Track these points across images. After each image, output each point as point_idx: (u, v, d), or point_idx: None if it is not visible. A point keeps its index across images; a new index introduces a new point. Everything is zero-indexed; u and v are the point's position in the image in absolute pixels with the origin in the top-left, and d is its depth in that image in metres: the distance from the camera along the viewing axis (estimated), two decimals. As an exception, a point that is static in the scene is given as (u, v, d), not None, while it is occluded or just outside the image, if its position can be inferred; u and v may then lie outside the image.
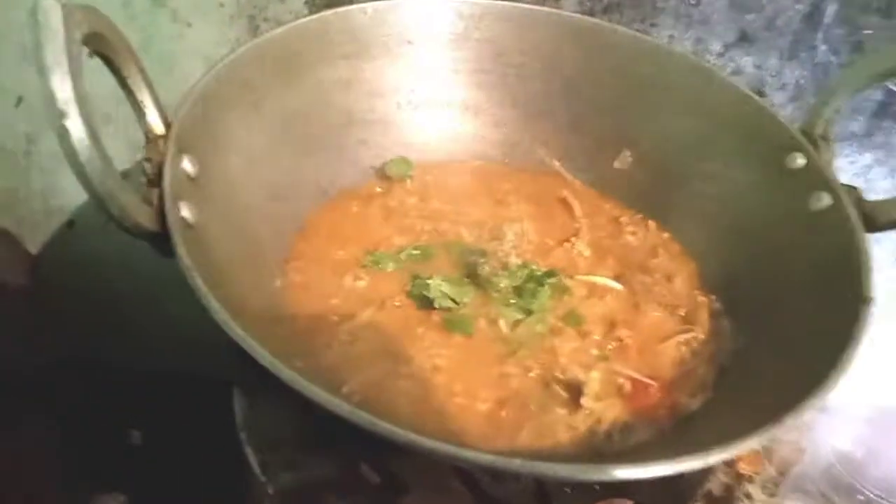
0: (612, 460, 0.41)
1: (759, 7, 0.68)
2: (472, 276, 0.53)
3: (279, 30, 0.56)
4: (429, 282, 0.51)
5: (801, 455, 0.72)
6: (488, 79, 0.64)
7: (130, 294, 0.83)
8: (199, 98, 0.47)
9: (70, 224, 0.81)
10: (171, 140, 0.43)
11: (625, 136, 0.62)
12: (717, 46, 0.71)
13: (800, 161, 0.52)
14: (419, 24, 0.61)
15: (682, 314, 0.53)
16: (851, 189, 0.49)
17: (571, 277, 0.54)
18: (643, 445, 0.43)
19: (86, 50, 0.38)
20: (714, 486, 0.49)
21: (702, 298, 0.54)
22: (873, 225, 0.47)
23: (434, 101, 0.63)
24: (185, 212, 0.41)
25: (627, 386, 0.47)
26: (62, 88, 0.34)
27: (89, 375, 0.82)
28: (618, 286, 0.55)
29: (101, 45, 0.42)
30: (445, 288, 0.51)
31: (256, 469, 0.46)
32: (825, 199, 0.49)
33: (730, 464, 0.50)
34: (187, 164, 0.44)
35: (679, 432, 0.44)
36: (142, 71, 0.45)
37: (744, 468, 0.50)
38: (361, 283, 0.52)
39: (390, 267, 0.54)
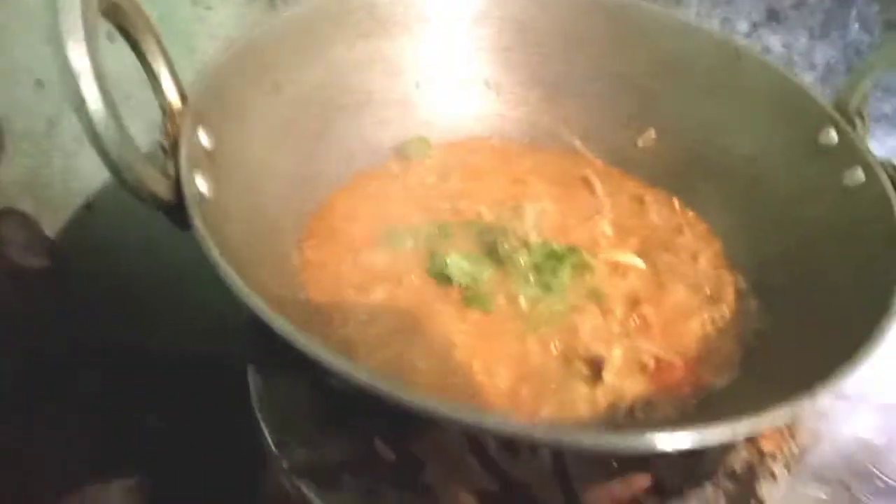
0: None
1: (788, -16, 0.66)
2: (492, 253, 0.52)
3: (298, 8, 0.56)
4: (447, 259, 0.50)
5: (819, 442, 0.70)
6: (510, 57, 0.63)
7: (148, 277, 0.84)
8: (217, 73, 0.47)
9: (88, 207, 0.82)
10: (188, 113, 0.43)
11: (649, 115, 0.61)
12: (743, 26, 0.70)
13: (833, 137, 0.50)
14: (440, 2, 0.61)
15: (708, 293, 0.52)
16: (887, 163, 0.48)
17: (594, 256, 0.53)
18: (666, 422, 0.42)
19: (105, 29, 0.38)
20: (736, 463, 0.47)
21: (727, 277, 0.53)
22: (911, 198, 0.45)
23: (454, 79, 0.62)
24: (201, 184, 0.41)
25: (651, 363, 0.46)
26: (78, 55, 0.34)
27: (107, 357, 0.83)
28: (641, 264, 0.53)
29: (120, 17, 0.42)
30: (464, 265, 0.50)
31: (272, 445, 0.45)
32: (859, 175, 0.48)
33: (753, 441, 0.48)
34: (203, 138, 0.44)
35: (703, 410, 0.43)
36: (159, 44, 0.44)
37: (767, 446, 0.48)
38: (379, 261, 0.52)
39: (408, 245, 0.53)
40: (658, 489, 0.46)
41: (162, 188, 0.39)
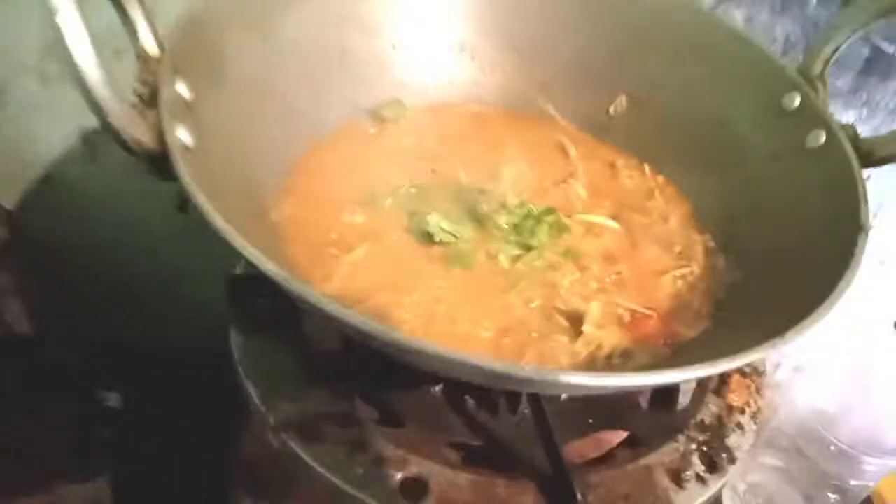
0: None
1: (752, -41, 0.68)
2: (472, 213, 0.53)
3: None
4: (428, 217, 0.50)
5: (775, 413, 0.74)
6: (484, 21, 0.63)
7: (110, 246, 0.81)
8: (193, 21, 0.46)
9: (47, 178, 0.79)
10: (165, 61, 0.42)
11: (620, 80, 0.62)
12: (709, 0, 0.71)
13: (797, 101, 0.53)
14: (416, -37, 0.60)
15: (678, 251, 0.54)
16: (847, 126, 0.50)
17: (569, 216, 0.54)
18: (643, 369, 0.44)
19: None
20: (706, 416, 0.50)
21: (697, 237, 0.55)
22: (870, 159, 0.48)
23: (429, 42, 0.62)
24: (183, 135, 0.41)
25: (626, 316, 0.48)
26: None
27: (70, 328, 0.80)
28: (615, 225, 0.55)
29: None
30: (444, 223, 0.50)
31: (257, 400, 0.45)
32: (821, 137, 0.50)
33: (722, 395, 0.51)
34: (182, 88, 0.43)
35: (677, 358, 0.45)
36: (134, -12, 0.43)
37: (734, 400, 0.51)
38: (359, 219, 0.52)
39: (388, 204, 0.53)
40: (633, 442, 0.48)
41: (147, 137, 0.39)
